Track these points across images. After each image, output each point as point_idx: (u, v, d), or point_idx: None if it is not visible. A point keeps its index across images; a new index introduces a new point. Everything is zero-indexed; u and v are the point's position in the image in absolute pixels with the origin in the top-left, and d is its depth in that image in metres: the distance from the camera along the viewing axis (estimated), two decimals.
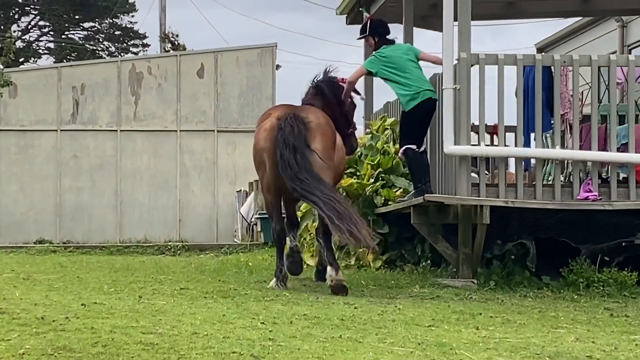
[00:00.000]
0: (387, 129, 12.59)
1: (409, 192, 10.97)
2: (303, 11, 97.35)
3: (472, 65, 10.05)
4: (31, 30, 49.20)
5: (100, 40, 49.59)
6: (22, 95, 23.41)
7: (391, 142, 12.31)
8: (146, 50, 47.86)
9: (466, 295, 8.96)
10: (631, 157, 10.14)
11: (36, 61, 47.66)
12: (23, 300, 7.45)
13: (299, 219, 11.15)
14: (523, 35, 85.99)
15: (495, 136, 11.32)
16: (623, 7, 16.08)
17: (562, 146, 10.25)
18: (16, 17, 48.66)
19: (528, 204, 9.91)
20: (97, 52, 48.29)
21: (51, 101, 23.49)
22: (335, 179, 9.60)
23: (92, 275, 10.91)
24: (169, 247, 20.82)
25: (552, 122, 10.31)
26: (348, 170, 12.56)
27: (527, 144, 10.23)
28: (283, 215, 9.50)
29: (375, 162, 12.09)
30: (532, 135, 10.21)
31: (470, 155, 10.07)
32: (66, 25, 48.77)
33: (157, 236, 23.09)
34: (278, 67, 25.48)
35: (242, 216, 21.34)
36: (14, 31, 43.50)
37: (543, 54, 16.49)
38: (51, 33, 49.39)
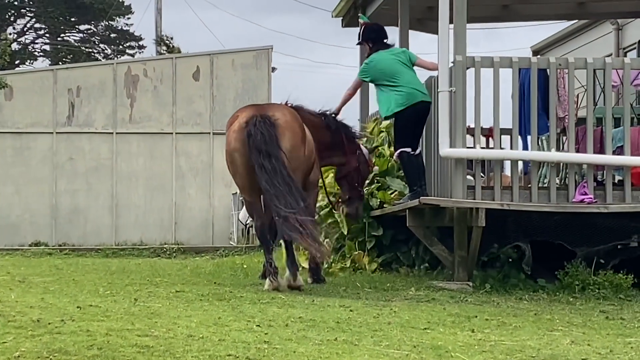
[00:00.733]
0: (382, 131, 12.58)
1: (405, 194, 10.98)
2: (299, 13, 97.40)
3: (467, 68, 10.06)
4: (27, 33, 49.23)
5: (96, 42, 49.60)
6: (18, 97, 23.41)
7: (386, 145, 12.30)
8: (142, 52, 47.93)
9: (462, 298, 8.97)
10: (627, 159, 10.14)
11: (32, 63, 47.70)
12: (18, 302, 7.43)
13: None
14: (518, 38, 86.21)
15: (490, 139, 11.32)
16: (618, 10, 16.08)
17: (558, 149, 10.26)
18: (12, 19, 48.63)
19: (524, 207, 9.91)
20: (92, 54, 48.30)
21: (47, 103, 23.49)
22: (306, 171, 9.84)
23: (87, 278, 10.89)
24: (165, 249, 20.82)
25: (548, 124, 10.31)
26: None
27: (523, 146, 10.23)
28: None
29: None
30: (529, 138, 10.22)
31: (466, 158, 10.08)
32: (62, 27, 48.76)
33: (153, 239, 23.08)
34: (274, 69, 25.51)
35: (240, 221, 21.35)
36: (10, 33, 43.44)
37: (538, 56, 16.50)
38: (47, 35, 49.39)
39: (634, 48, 19.62)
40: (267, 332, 6.16)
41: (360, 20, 11.72)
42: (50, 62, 46.60)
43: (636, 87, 12.15)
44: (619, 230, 10.32)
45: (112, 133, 23.54)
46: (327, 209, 12.07)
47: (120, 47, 48.97)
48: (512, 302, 8.92)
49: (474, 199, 9.89)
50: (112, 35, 49.19)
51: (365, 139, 11.99)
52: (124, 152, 23.53)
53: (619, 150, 10.41)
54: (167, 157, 23.60)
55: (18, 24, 48.90)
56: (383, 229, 11.87)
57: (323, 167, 10.88)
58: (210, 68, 23.91)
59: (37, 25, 49.13)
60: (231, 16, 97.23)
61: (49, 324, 6.14)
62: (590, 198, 9.97)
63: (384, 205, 11.55)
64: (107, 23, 48.57)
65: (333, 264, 11.94)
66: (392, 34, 12.32)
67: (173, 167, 23.57)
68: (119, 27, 48.99)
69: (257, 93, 23.74)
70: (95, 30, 49.46)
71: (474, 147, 10.16)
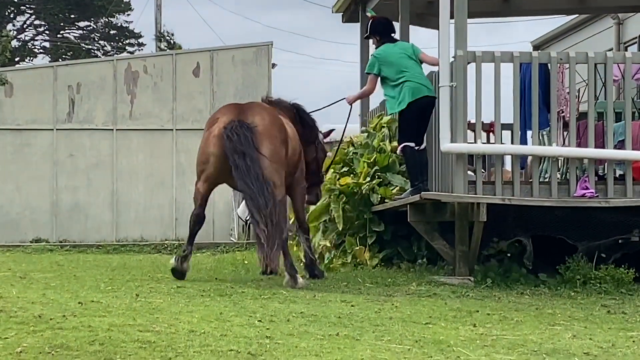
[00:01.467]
0: (383, 127, 12.58)
1: (406, 190, 10.97)
2: (299, 9, 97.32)
3: (468, 63, 10.05)
4: (27, 30, 49.16)
5: (96, 39, 49.53)
6: (18, 94, 23.37)
7: (387, 140, 12.30)
8: (142, 49, 47.83)
9: (463, 293, 8.97)
10: (628, 154, 10.14)
11: (32, 60, 47.62)
12: (20, 298, 7.43)
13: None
14: (519, 33, 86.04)
15: (491, 134, 11.32)
16: (619, 5, 16.09)
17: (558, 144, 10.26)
18: (12, 16, 48.60)
19: (525, 202, 9.92)
20: (92, 51, 48.25)
21: (47, 100, 23.45)
22: (291, 170, 9.89)
23: (88, 274, 10.89)
24: (166, 245, 20.79)
25: (549, 119, 10.30)
26: (344, 169, 12.56)
27: (524, 141, 10.23)
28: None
29: (371, 160, 12.08)
30: (529, 132, 10.22)
31: (467, 153, 10.07)
32: (62, 24, 48.72)
33: (154, 235, 23.05)
34: (274, 65, 25.44)
35: (240, 217, 21.32)
36: (10, 30, 43.41)
37: (539, 51, 16.50)
38: (47, 32, 49.34)
39: (635, 42, 19.62)
40: (269, 327, 6.16)
41: (368, 14, 11.72)
42: (50, 59, 46.55)
43: (637, 81, 12.16)
44: (620, 224, 10.33)
45: (112, 130, 23.50)
46: (322, 206, 12.08)
47: (120, 44, 48.92)
48: (513, 296, 8.92)
49: (475, 194, 9.89)
50: (112, 32, 49.13)
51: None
52: (124, 148, 23.49)
53: (620, 145, 10.41)
54: (168, 154, 23.56)
55: (18, 21, 48.87)
56: (384, 224, 11.86)
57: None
58: (211, 64, 23.87)
59: (36, 22, 49.07)
60: (231, 12, 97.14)
61: (51, 319, 6.13)
62: (592, 192, 9.96)
63: (385, 201, 11.54)
64: (106, 20, 48.49)
65: (334, 260, 11.94)
66: None
67: (173, 164, 23.54)
68: (119, 24, 48.94)
69: (257, 89, 23.67)
70: (94, 27, 49.38)
71: (475, 142, 10.16)
